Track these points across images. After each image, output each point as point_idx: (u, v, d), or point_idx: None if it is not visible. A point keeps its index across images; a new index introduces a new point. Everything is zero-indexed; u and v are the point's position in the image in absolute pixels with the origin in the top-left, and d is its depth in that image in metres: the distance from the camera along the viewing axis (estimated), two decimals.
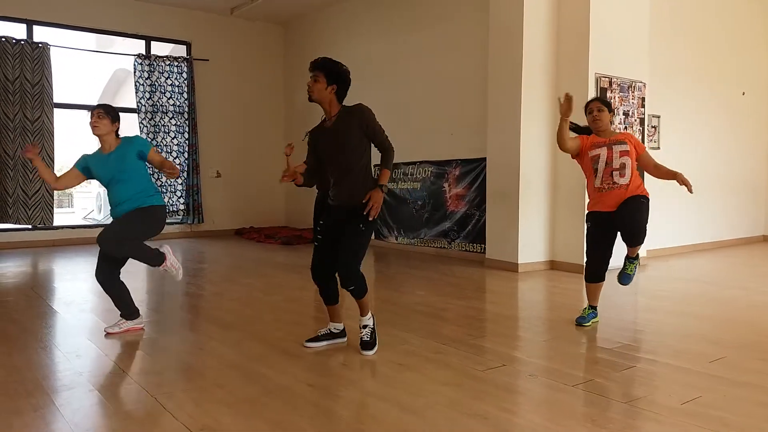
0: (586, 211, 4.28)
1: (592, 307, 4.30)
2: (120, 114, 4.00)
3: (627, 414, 2.66)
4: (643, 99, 7.02)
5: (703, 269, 7.08)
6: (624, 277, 4.30)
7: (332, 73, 3.40)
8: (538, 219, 6.69)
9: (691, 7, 8.37)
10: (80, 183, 4.10)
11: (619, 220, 4.03)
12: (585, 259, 4.43)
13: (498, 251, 6.83)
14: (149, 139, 9.80)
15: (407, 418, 2.62)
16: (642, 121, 7.03)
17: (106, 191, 4.02)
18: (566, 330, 4.20)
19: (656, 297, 5.38)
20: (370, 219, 3.36)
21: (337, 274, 3.49)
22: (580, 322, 4.23)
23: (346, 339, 3.75)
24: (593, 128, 4.15)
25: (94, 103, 14.59)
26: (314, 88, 3.40)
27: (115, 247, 3.83)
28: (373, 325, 3.61)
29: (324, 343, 3.67)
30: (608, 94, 6.63)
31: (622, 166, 3.98)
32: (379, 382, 3.07)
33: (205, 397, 2.83)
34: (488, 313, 4.87)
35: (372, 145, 3.55)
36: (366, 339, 3.55)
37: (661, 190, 7.68)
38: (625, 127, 6.83)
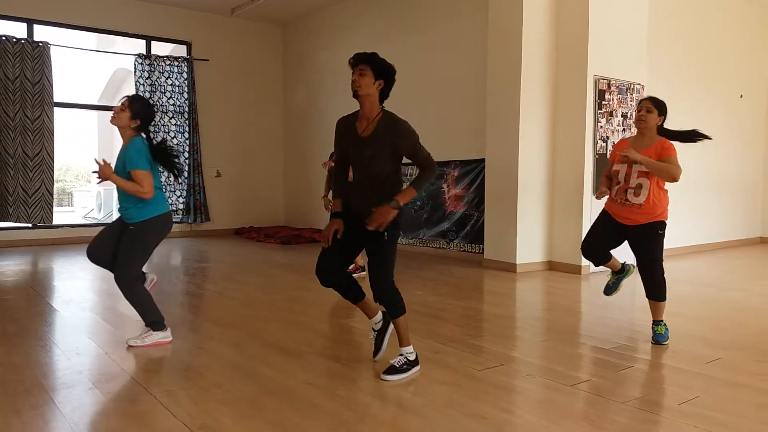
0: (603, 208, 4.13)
1: (613, 273, 4.16)
2: (149, 112, 3.70)
3: (624, 414, 2.67)
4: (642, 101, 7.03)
5: (700, 271, 7.09)
6: (657, 338, 3.87)
7: (380, 68, 3.12)
8: (536, 220, 6.71)
9: (690, 9, 8.39)
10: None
11: (634, 253, 3.96)
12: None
13: (496, 252, 6.85)
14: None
15: (406, 417, 2.63)
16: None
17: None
18: (564, 330, 4.21)
19: None
20: (370, 228, 3.06)
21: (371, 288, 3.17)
22: (607, 293, 4.17)
23: (391, 326, 3.42)
24: (637, 127, 4.02)
25: (95, 102, 14.64)
26: (362, 82, 3.08)
27: (125, 289, 3.63)
28: (414, 359, 3.21)
29: (384, 345, 3.39)
30: (606, 96, 6.65)
31: (638, 187, 3.82)
32: (378, 382, 3.08)
33: (205, 396, 2.84)
34: (486, 313, 4.88)
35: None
36: (396, 365, 3.15)
37: None
38: (624, 129, 6.85)
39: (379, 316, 3.42)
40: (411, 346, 3.21)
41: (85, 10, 9.32)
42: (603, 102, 6.63)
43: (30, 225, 8.96)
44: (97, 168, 3.58)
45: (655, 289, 3.94)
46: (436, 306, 4.93)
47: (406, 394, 2.90)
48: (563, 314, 4.75)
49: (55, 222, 9.08)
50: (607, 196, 4.04)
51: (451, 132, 7.91)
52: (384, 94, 3.20)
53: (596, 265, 4.17)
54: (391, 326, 3.38)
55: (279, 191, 11.37)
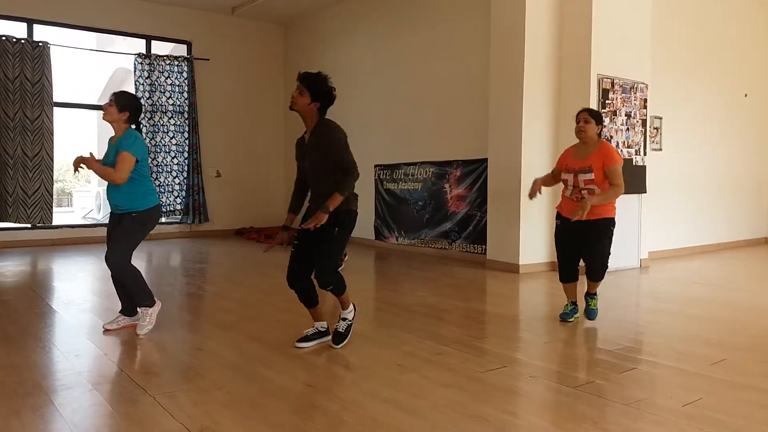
0: (556, 210, 4.51)
1: (573, 303, 4.48)
2: (135, 104, 3.98)
3: (628, 416, 2.64)
4: (645, 100, 7.01)
5: (704, 271, 7.06)
6: (590, 313, 4.46)
7: (319, 92, 3.44)
8: (539, 220, 6.68)
9: (694, 8, 8.36)
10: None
11: (583, 249, 4.32)
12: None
13: (499, 252, 6.82)
14: (147, 139, 9.79)
15: (407, 419, 2.61)
16: (644, 123, 7.02)
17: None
18: (567, 332, 4.19)
19: (658, 299, 5.36)
20: (306, 227, 3.41)
21: (314, 277, 3.56)
22: (563, 318, 4.41)
23: (330, 337, 3.77)
24: (578, 137, 4.29)
25: (95, 102, 14.65)
26: (298, 100, 3.46)
27: (121, 272, 3.90)
28: (352, 319, 3.72)
29: (314, 342, 3.71)
30: (610, 95, 6.62)
31: (590, 191, 4.17)
32: (379, 383, 3.06)
33: (205, 398, 2.82)
34: (489, 314, 4.86)
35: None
36: (340, 331, 3.67)
37: (664, 192, 7.69)
38: (627, 128, 6.82)
39: (325, 324, 3.78)
40: (350, 305, 3.71)
41: (85, 10, 9.31)
42: (607, 101, 6.60)
43: (29, 225, 8.95)
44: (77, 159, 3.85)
45: (597, 276, 4.39)
46: (438, 307, 4.90)
47: (408, 396, 2.87)
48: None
49: (54, 222, 9.06)
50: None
51: (454, 131, 7.89)
52: (321, 113, 3.54)
53: (565, 281, 4.49)
54: (327, 339, 3.73)
55: (280, 192, 11.35)
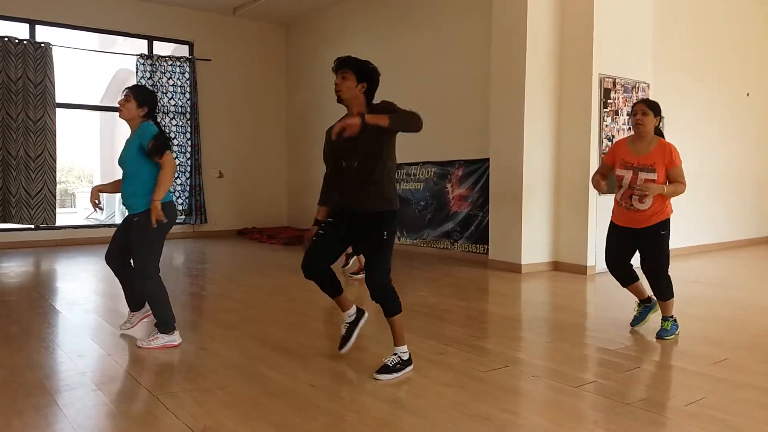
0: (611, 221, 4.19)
1: (639, 303, 4.23)
2: (154, 98, 3.78)
3: (630, 415, 2.65)
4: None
5: (707, 270, 7.06)
6: (661, 332, 3.97)
7: (362, 71, 3.18)
8: (541, 220, 6.68)
9: (696, 7, 8.35)
10: None
11: (641, 258, 4.04)
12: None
13: (501, 252, 6.82)
14: None
15: (409, 418, 2.61)
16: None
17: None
18: (569, 331, 4.19)
19: None
20: (335, 133, 2.99)
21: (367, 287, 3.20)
22: (633, 324, 4.18)
23: (365, 315, 3.50)
24: (635, 131, 4.01)
25: (97, 103, 14.66)
26: (343, 86, 3.15)
27: (146, 289, 3.70)
28: (407, 359, 3.21)
29: (353, 338, 3.43)
30: (612, 95, 6.61)
31: (642, 195, 3.85)
32: (381, 383, 3.06)
33: (207, 398, 2.82)
34: (491, 314, 4.86)
35: (394, 152, 3.26)
36: (389, 364, 3.15)
37: None
38: (629, 128, 6.81)
39: (353, 309, 3.46)
40: (405, 346, 3.22)
41: (87, 11, 9.32)
42: (608, 101, 6.60)
43: (32, 226, 8.96)
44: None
45: (660, 290, 4.01)
46: (440, 307, 4.91)
47: (410, 396, 2.88)
48: (569, 315, 4.72)
49: (57, 223, 9.08)
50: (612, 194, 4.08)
51: (455, 131, 7.89)
52: (369, 96, 3.22)
53: (623, 285, 4.20)
54: (363, 320, 3.46)
55: (282, 192, 11.35)
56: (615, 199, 4.06)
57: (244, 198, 10.92)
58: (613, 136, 6.65)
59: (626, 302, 5.11)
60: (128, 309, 4.06)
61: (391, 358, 3.17)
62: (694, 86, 8.37)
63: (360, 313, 3.48)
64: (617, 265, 4.14)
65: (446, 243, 7.96)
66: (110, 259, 3.88)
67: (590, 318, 4.77)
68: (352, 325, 3.45)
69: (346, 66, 3.17)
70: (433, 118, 8.20)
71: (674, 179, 3.88)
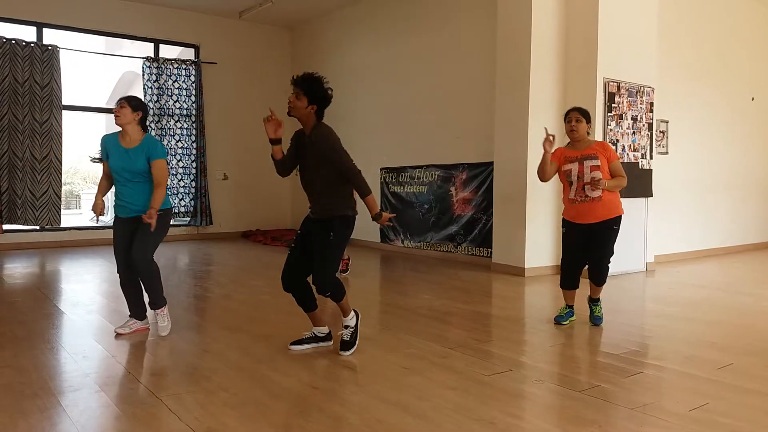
0: (561, 217, 4.45)
1: (569, 306, 4.47)
2: (145, 105, 4.04)
3: (634, 420, 2.64)
4: (652, 104, 7.00)
5: (711, 275, 7.03)
6: (596, 319, 4.40)
7: (315, 94, 3.43)
8: (545, 223, 6.66)
9: (700, 11, 8.34)
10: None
11: (590, 249, 4.29)
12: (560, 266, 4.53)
13: (505, 255, 6.81)
14: None
15: (413, 422, 2.61)
16: (650, 126, 7.00)
17: (115, 182, 4.01)
18: (573, 335, 4.18)
19: (664, 303, 5.34)
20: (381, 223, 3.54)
21: (312, 282, 3.54)
22: (558, 321, 4.41)
23: (331, 342, 3.77)
24: (569, 137, 4.30)
25: (103, 105, 14.72)
26: (295, 104, 3.44)
27: (148, 266, 3.91)
28: (355, 325, 3.66)
29: (309, 345, 3.71)
30: (616, 99, 6.61)
31: (595, 184, 4.10)
32: (385, 386, 3.06)
33: (211, 400, 2.83)
34: (494, 317, 4.85)
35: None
36: (345, 339, 3.61)
37: (670, 196, 7.66)
38: (633, 132, 6.81)
39: (326, 330, 3.77)
40: (351, 312, 3.63)
41: (94, 14, 9.37)
42: (613, 104, 6.59)
43: (38, 227, 9.00)
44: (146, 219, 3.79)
45: (602, 278, 4.38)
46: (444, 310, 4.90)
47: (413, 399, 2.87)
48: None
49: (62, 224, 9.11)
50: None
51: (459, 135, 7.89)
52: (319, 115, 3.52)
53: (569, 287, 4.45)
54: (325, 344, 3.74)
55: (286, 194, 11.37)
56: (567, 200, 4.33)
57: (248, 200, 10.94)
58: (617, 140, 6.64)
59: (631, 306, 5.11)
60: (129, 313, 4.12)
61: (345, 332, 3.61)
62: (699, 90, 8.35)
63: (328, 337, 3.76)
64: (573, 267, 4.38)
65: (450, 246, 7.95)
66: (124, 269, 4.05)
67: None
68: (316, 339, 3.74)
69: (300, 86, 3.43)
70: (437, 121, 8.23)
71: (616, 173, 4.21)
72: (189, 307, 5.06)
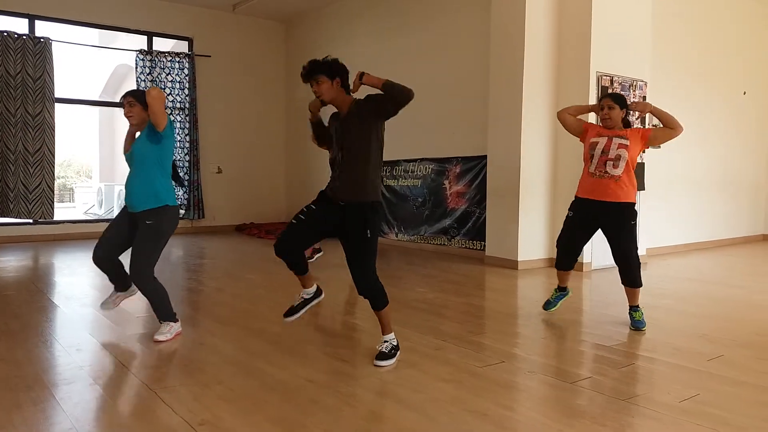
0: (574, 198, 4.31)
1: (561, 289, 4.42)
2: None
3: (625, 411, 2.67)
4: (645, 98, 7.02)
5: (702, 268, 7.08)
6: (638, 323, 4.09)
7: (330, 69, 3.33)
8: (538, 216, 6.69)
9: (693, 6, 8.36)
10: None
11: (610, 245, 4.13)
12: (557, 244, 4.47)
13: (498, 248, 6.84)
14: None
15: (407, 413, 2.63)
16: (643, 120, 7.02)
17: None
18: (565, 327, 4.21)
19: (655, 295, 5.38)
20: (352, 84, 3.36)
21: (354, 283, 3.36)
22: (546, 307, 4.40)
23: (322, 296, 3.71)
24: (603, 125, 4.20)
25: (96, 98, 14.64)
26: (322, 90, 3.30)
27: (144, 287, 3.70)
28: (397, 344, 3.38)
29: (302, 311, 3.65)
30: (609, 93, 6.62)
31: (617, 158, 4.02)
32: (379, 378, 3.08)
33: (205, 392, 2.84)
34: (488, 310, 4.88)
35: (382, 145, 3.38)
36: (383, 350, 3.31)
37: (662, 190, 7.70)
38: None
39: (314, 288, 3.66)
40: (392, 333, 3.39)
41: (87, 6, 9.31)
42: None
43: (31, 221, 8.96)
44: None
45: (632, 275, 4.11)
46: (438, 303, 4.92)
47: (407, 391, 2.89)
48: (564, 311, 4.72)
49: (55, 218, 9.08)
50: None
51: (453, 128, 7.90)
52: (346, 87, 3.40)
53: (563, 267, 4.38)
54: (317, 300, 3.69)
55: (280, 188, 11.36)
56: (585, 173, 4.18)
57: (242, 194, 10.92)
58: None
59: (623, 298, 5.13)
60: (114, 289, 4.02)
61: (385, 345, 3.33)
62: (691, 84, 8.38)
63: (318, 293, 3.69)
64: (572, 243, 4.29)
65: (443, 239, 7.98)
66: (101, 251, 3.85)
67: (586, 314, 4.79)
68: (306, 302, 3.66)
69: (317, 72, 3.30)
70: (430, 115, 8.23)
71: (666, 125, 4.06)
72: (183, 300, 5.05)
